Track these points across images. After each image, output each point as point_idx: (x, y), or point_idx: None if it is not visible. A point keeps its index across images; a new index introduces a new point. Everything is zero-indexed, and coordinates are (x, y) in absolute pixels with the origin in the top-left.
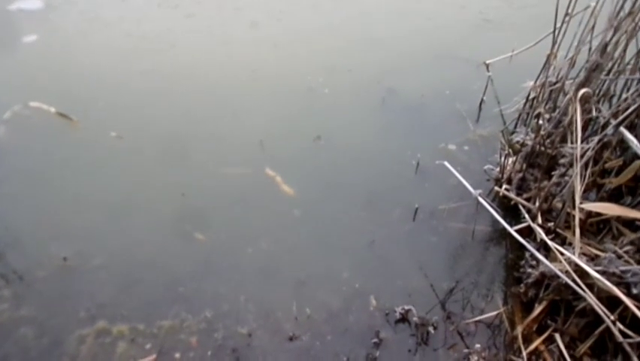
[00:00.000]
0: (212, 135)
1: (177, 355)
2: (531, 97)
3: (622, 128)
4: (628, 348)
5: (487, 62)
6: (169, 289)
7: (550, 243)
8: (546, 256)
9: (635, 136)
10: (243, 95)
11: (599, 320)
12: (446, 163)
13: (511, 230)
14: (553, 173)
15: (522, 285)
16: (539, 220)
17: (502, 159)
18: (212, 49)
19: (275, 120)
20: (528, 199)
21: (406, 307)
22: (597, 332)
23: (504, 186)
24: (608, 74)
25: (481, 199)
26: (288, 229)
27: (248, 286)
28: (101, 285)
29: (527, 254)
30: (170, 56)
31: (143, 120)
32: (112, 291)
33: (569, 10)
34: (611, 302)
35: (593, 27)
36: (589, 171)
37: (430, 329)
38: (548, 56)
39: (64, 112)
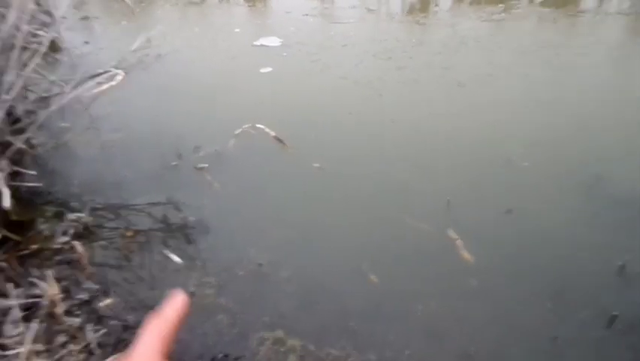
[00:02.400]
0: (403, 184)
1: None
2: None
3: None
4: None
5: None
6: (341, 319)
7: None
8: None
9: None
10: (439, 152)
11: None
12: None
13: None
14: None
15: None
16: None
17: None
18: (416, 102)
19: (466, 184)
20: None
21: None
22: None
23: None
24: None
25: None
26: (461, 297)
27: (413, 342)
28: (285, 297)
29: None
30: (377, 102)
31: (344, 158)
32: (292, 305)
33: None
34: None
35: None
36: None
37: None
38: None
39: (281, 137)
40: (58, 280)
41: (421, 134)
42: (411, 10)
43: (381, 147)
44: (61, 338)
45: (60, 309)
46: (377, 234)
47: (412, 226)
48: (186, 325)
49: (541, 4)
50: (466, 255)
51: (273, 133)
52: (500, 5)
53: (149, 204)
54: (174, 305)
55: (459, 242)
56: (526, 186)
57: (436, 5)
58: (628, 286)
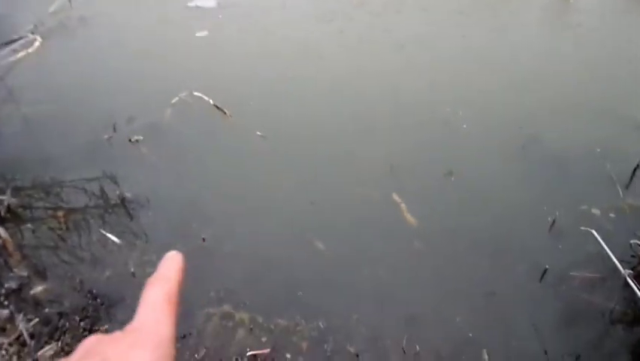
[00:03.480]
0: (346, 150)
1: (288, 355)
2: None
3: None
4: None
5: None
6: (288, 290)
7: None
8: None
9: None
10: (380, 115)
11: None
12: (594, 232)
13: None
14: None
15: None
16: None
17: None
18: (357, 66)
19: (408, 147)
20: None
21: None
22: None
23: None
24: None
25: (630, 280)
26: (406, 260)
27: (361, 307)
28: (231, 271)
29: None
30: (319, 66)
31: (287, 124)
32: (239, 279)
33: None
34: None
35: None
36: None
37: None
38: None
39: (221, 105)
40: None
41: (364, 98)
42: None
43: (323, 112)
44: None
45: None
46: (322, 201)
47: (357, 192)
48: (127, 307)
49: None
50: (409, 218)
51: (211, 101)
52: None
53: (81, 180)
54: (171, 265)
55: (403, 206)
56: (464, 147)
57: None
58: (558, 240)
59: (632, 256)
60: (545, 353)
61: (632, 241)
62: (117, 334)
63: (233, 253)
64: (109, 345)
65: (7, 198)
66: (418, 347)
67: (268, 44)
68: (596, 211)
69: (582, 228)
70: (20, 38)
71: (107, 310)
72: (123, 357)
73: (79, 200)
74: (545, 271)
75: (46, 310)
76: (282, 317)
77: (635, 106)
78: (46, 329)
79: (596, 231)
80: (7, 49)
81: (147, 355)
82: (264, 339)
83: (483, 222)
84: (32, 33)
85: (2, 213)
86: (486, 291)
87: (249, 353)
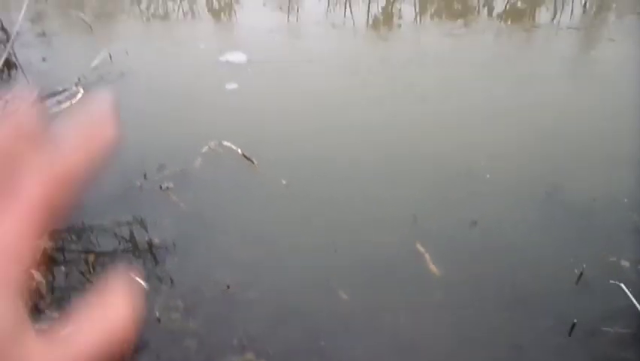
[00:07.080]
0: (368, 199)
1: None
2: None
3: None
4: None
5: None
6: (311, 338)
7: None
8: None
9: None
10: (404, 165)
11: None
12: (622, 286)
13: None
14: None
15: None
16: None
17: None
18: (381, 118)
19: (431, 197)
20: None
21: None
22: None
23: None
24: None
25: None
26: (429, 310)
27: (382, 358)
28: (254, 318)
29: None
30: (343, 118)
31: (312, 173)
32: (262, 326)
33: None
34: None
35: None
36: None
37: None
38: None
39: (248, 155)
40: None
41: (387, 150)
42: (375, 25)
43: (348, 162)
44: None
45: None
46: (346, 250)
47: (381, 241)
48: (151, 353)
49: (499, 18)
50: (433, 268)
51: (240, 150)
52: (460, 20)
53: (112, 224)
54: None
55: (427, 256)
56: (488, 197)
57: (400, 18)
58: (586, 293)
59: None
60: None
61: None
62: None
63: (257, 300)
64: None
65: (43, 242)
66: None
67: (294, 96)
68: (625, 263)
69: (611, 281)
70: (64, 90)
71: (132, 357)
72: None
73: (109, 244)
74: (574, 325)
75: None
76: None
77: None
78: None
79: (625, 284)
80: (53, 100)
81: None
82: None
83: (508, 273)
84: (76, 86)
85: (38, 257)
86: (512, 344)
87: None
